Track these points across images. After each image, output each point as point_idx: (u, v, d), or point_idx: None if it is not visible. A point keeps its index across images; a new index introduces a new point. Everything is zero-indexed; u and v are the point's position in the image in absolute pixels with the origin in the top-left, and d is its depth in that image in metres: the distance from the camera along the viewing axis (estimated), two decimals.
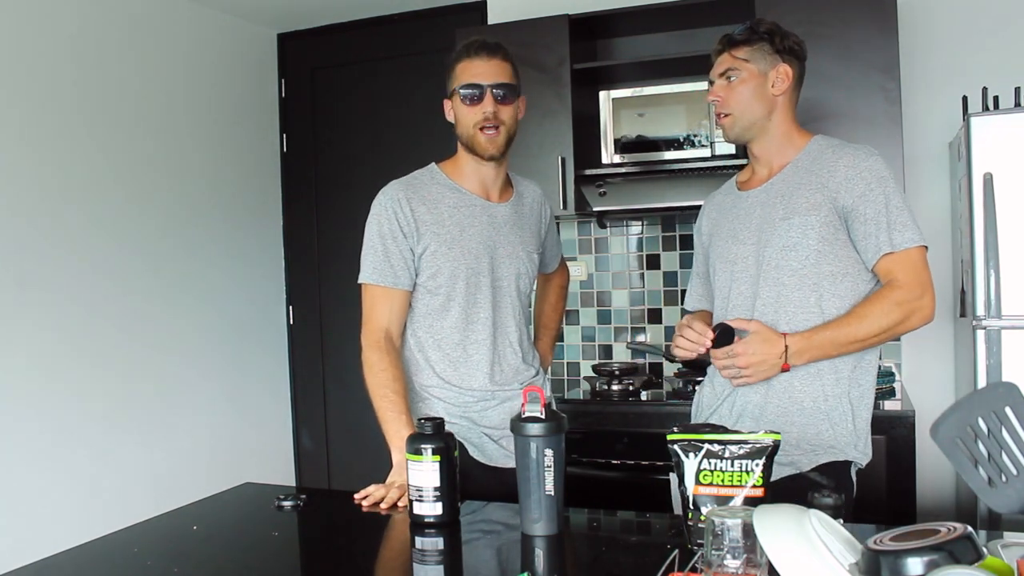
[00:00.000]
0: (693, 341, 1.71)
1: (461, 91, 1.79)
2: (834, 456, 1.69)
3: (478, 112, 1.79)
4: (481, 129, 1.79)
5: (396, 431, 1.72)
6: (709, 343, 1.69)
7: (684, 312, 2.03)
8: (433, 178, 1.87)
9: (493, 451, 1.86)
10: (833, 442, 1.69)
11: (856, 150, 1.70)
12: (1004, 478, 1.07)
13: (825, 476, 1.66)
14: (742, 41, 1.75)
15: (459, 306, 1.83)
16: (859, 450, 1.71)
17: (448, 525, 1.47)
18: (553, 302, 2.23)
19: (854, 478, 1.72)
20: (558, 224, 3.30)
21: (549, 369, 3.33)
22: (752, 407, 1.73)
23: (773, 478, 1.31)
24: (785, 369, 1.66)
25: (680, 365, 2.95)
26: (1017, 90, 2.39)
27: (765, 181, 1.78)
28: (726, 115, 1.77)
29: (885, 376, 2.75)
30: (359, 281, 1.83)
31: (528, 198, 1.98)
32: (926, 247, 1.66)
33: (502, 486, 1.76)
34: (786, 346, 1.64)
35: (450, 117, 1.87)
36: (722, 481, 1.27)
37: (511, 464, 1.83)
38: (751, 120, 1.75)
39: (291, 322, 3.99)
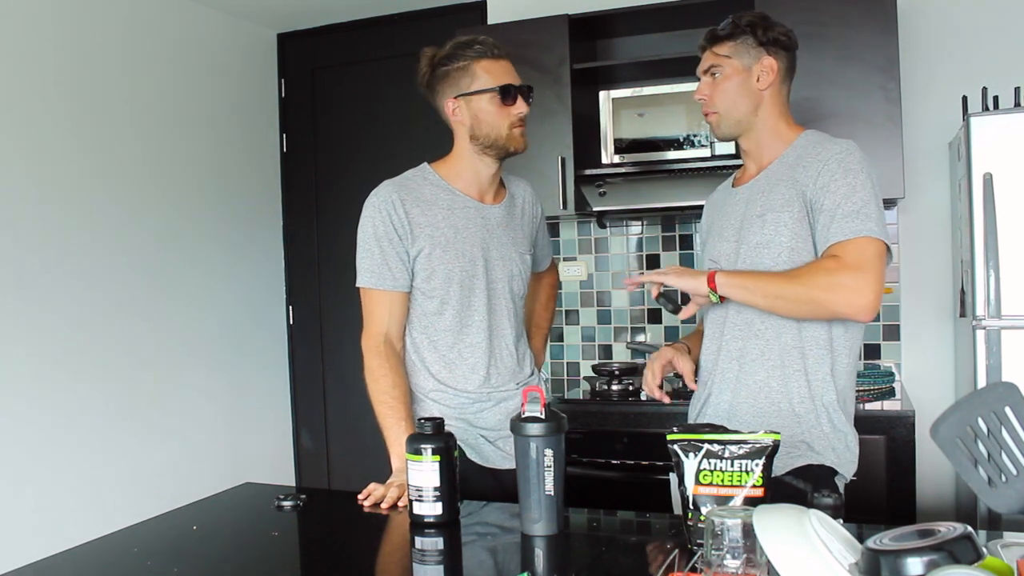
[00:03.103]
0: (649, 384, 1.79)
1: (500, 91, 1.79)
2: (810, 460, 1.63)
3: (514, 112, 1.80)
4: (513, 127, 1.81)
5: (396, 437, 1.72)
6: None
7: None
8: (426, 179, 1.86)
9: (490, 452, 1.85)
10: (808, 445, 1.64)
11: (834, 144, 1.64)
12: (1004, 478, 1.07)
13: (801, 480, 1.60)
14: (724, 36, 1.72)
15: (453, 309, 1.82)
16: (838, 453, 1.65)
17: (448, 525, 1.47)
18: (544, 301, 2.22)
19: (840, 487, 1.66)
20: (557, 224, 3.31)
21: (549, 367, 3.36)
22: (726, 406, 1.71)
23: None
24: (712, 288, 1.61)
25: None
26: (1017, 90, 2.39)
27: (753, 177, 1.76)
28: (712, 113, 1.75)
29: (885, 376, 2.75)
30: (357, 285, 1.82)
31: (520, 198, 1.97)
32: (884, 243, 1.55)
33: (499, 488, 1.77)
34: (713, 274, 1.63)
35: (457, 116, 1.83)
36: (722, 481, 1.27)
37: (508, 465, 1.83)
38: (737, 117, 1.72)
39: (291, 322, 3.99)
